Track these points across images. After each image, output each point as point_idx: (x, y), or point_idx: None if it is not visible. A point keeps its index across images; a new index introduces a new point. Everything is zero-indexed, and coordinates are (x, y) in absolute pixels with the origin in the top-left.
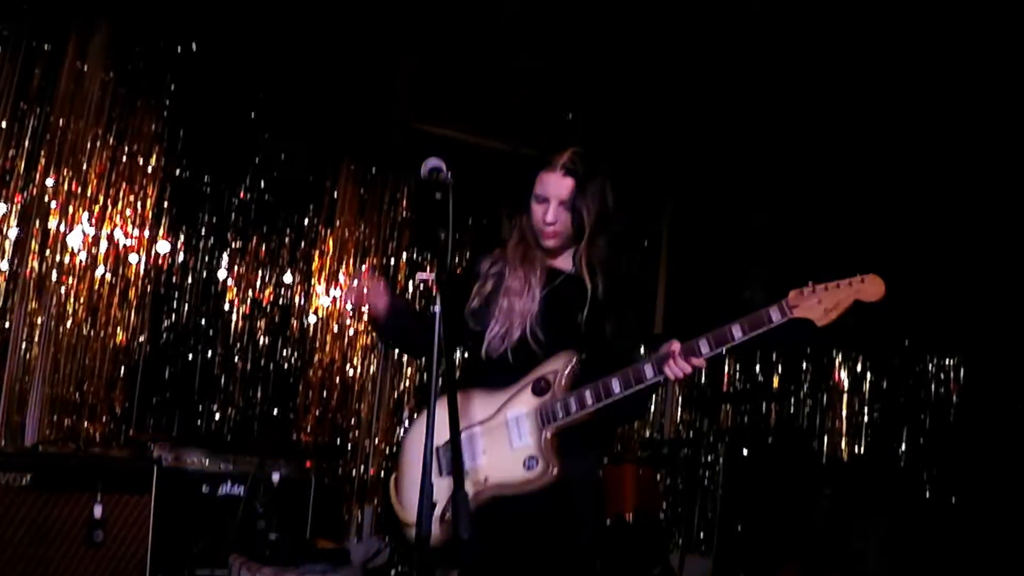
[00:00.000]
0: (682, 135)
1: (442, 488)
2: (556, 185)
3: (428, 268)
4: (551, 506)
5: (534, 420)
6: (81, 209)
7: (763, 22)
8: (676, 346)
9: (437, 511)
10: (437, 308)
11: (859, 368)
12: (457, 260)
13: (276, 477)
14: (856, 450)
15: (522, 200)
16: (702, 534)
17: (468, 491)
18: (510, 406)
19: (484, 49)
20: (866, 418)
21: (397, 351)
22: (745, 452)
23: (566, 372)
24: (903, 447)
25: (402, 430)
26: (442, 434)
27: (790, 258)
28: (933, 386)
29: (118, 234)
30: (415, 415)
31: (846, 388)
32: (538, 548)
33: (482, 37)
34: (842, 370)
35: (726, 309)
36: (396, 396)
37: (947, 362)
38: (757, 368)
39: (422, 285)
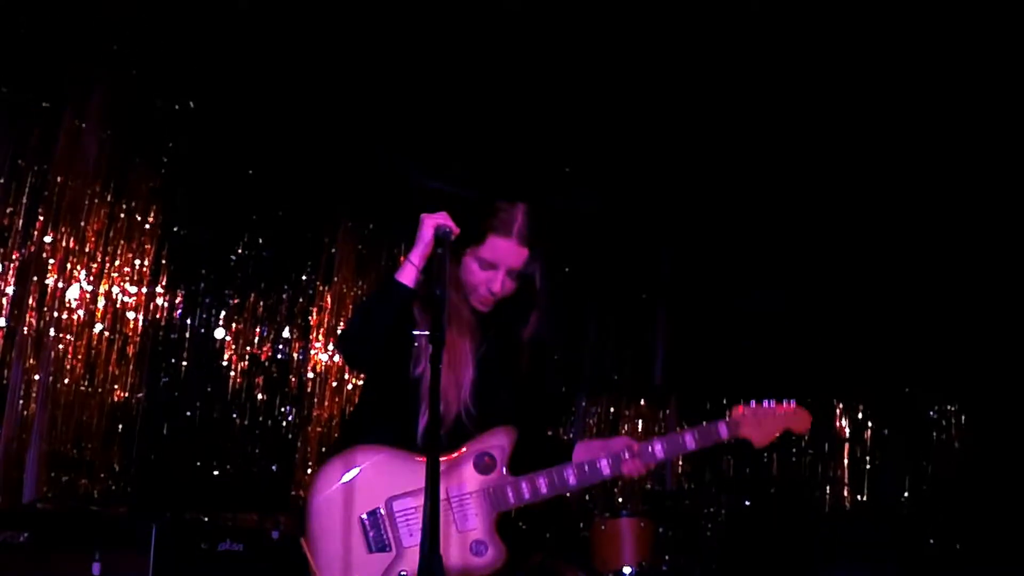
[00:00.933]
0: (680, 182)
1: (369, 567)
2: (510, 255)
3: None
4: None
5: (482, 502)
6: (79, 266)
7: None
8: (634, 446)
9: None
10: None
11: (860, 416)
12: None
13: (276, 534)
14: (859, 498)
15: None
16: None
17: (408, 571)
18: (451, 481)
19: (481, 100)
20: (868, 466)
21: (348, 343)
22: (748, 503)
23: (509, 451)
24: (906, 494)
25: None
26: (366, 501)
27: (787, 307)
28: (934, 433)
29: (116, 291)
30: (319, 469)
31: (847, 436)
32: None
33: (480, 88)
34: (843, 418)
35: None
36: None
37: (948, 408)
38: None
39: (417, 343)
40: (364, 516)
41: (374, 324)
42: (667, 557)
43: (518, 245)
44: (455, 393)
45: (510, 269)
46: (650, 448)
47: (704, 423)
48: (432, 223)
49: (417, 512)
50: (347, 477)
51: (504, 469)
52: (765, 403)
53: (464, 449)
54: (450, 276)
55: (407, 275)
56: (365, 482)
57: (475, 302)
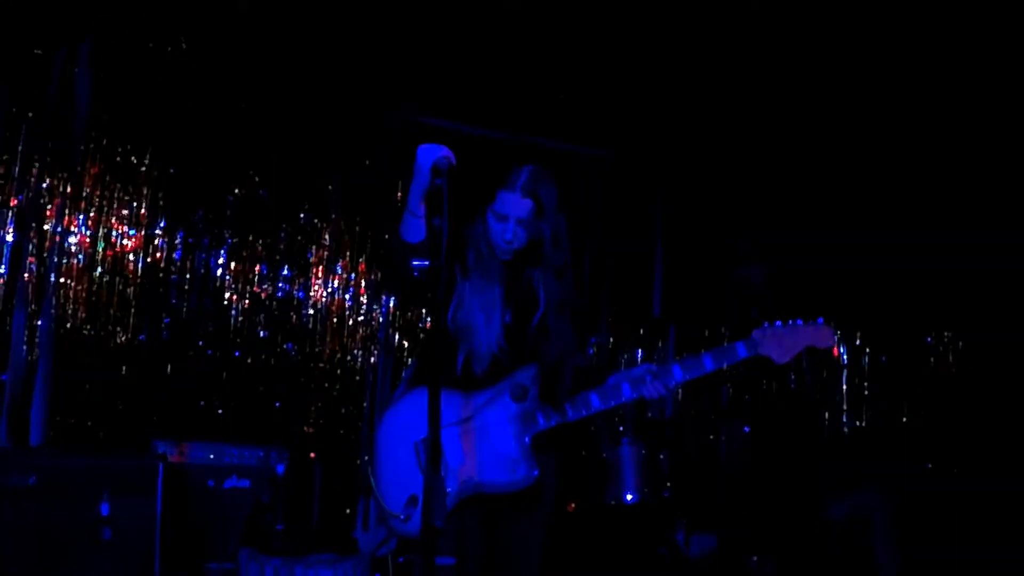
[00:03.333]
0: (675, 119)
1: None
2: (515, 206)
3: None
4: (527, 500)
5: (517, 426)
6: (77, 211)
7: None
8: (654, 369)
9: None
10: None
11: (858, 343)
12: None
13: (281, 469)
14: (858, 424)
15: (475, 208)
16: (707, 512)
17: (452, 488)
18: (489, 409)
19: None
20: (867, 392)
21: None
22: (747, 430)
23: (540, 380)
24: (904, 420)
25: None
26: (420, 431)
27: (783, 235)
28: (932, 359)
29: (115, 234)
30: (388, 407)
31: (846, 363)
32: (514, 530)
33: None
34: (841, 345)
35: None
36: (398, 385)
37: (945, 335)
38: None
39: (418, 272)
40: (418, 442)
41: (403, 278)
42: (668, 484)
43: (520, 197)
44: (487, 332)
45: (518, 219)
46: (671, 369)
47: (723, 344)
48: (429, 158)
49: (459, 438)
50: (404, 414)
51: (536, 397)
52: (778, 326)
53: (503, 381)
54: (480, 232)
55: (409, 229)
56: (418, 416)
57: (499, 252)
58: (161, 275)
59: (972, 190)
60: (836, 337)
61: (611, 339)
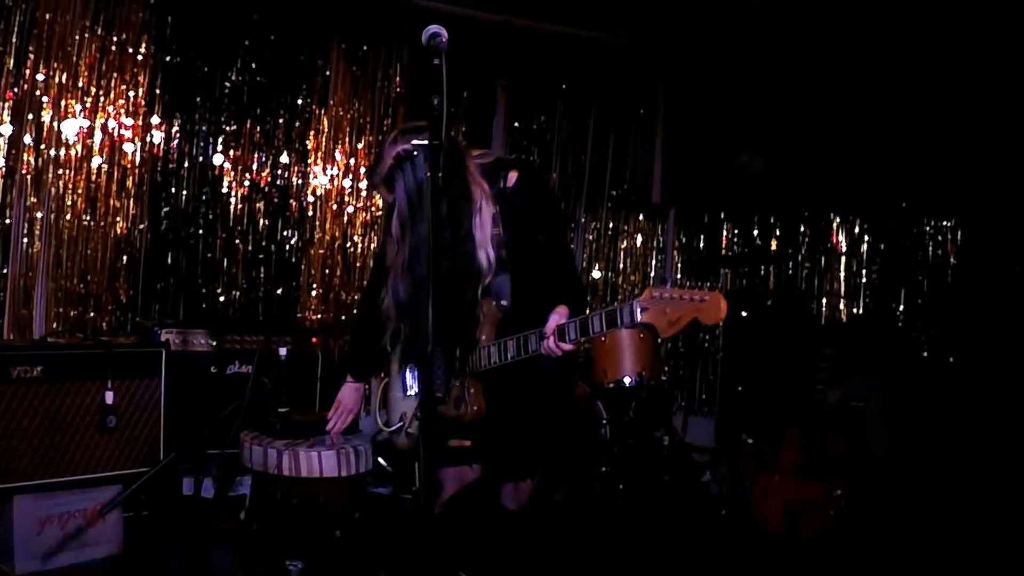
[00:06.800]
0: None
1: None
2: None
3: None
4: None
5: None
6: (74, 102)
7: None
8: (551, 326)
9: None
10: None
11: (857, 230)
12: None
13: (283, 352)
14: (855, 311)
15: None
16: (704, 396)
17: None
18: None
19: None
20: (864, 280)
21: None
22: (744, 314)
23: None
24: (901, 308)
25: None
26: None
27: (785, 122)
28: (931, 247)
29: (112, 124)
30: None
31: (844, 250)
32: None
33: None
34: (840, 232)
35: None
36: None
37: (944, 224)
38: (755, 232)
39: (416, 151)
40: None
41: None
42: (666, 368)
43: None
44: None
45: None
46: (567, 329)
47: (615, 305)
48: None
49: None
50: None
51: (485, 336)
52: (673, 290)
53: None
54: None
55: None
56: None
57: None
58: (160, 164)
59: (972, 83)
60: (724, 313)
61: (611, 224)
